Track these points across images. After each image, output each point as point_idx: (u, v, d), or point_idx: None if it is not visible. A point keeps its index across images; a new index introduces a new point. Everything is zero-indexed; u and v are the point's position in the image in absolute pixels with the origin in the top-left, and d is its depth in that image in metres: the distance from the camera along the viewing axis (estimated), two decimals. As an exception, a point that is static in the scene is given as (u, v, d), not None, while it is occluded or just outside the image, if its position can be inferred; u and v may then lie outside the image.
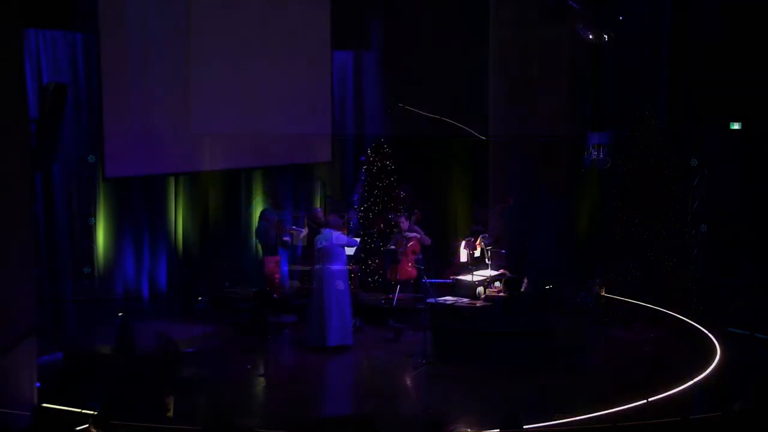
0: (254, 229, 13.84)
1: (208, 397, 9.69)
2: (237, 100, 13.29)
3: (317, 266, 12.31)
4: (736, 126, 15.76)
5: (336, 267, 12.16)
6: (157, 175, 12.83)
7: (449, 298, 12.03)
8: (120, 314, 10.57)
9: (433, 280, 12.50)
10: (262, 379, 11.12)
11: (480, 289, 12.31)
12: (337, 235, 12.25)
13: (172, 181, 13.18)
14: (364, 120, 16.14)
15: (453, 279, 13.14)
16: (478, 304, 11.74)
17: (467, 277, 12.69)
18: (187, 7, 12.67)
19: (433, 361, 11.53)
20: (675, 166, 14.68)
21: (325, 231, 12.30)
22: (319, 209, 13.84)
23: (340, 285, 12.11)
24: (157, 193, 13.10)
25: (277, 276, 13.38)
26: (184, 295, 13.35)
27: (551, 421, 9.32)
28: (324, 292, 12.12)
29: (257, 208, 14.25)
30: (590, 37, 13.10)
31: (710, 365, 11.32)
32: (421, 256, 13.61)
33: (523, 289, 11.58)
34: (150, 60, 12.23)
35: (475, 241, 13.11)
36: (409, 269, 13.54)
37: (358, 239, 13.28)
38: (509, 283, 11.69)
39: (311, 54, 14.35)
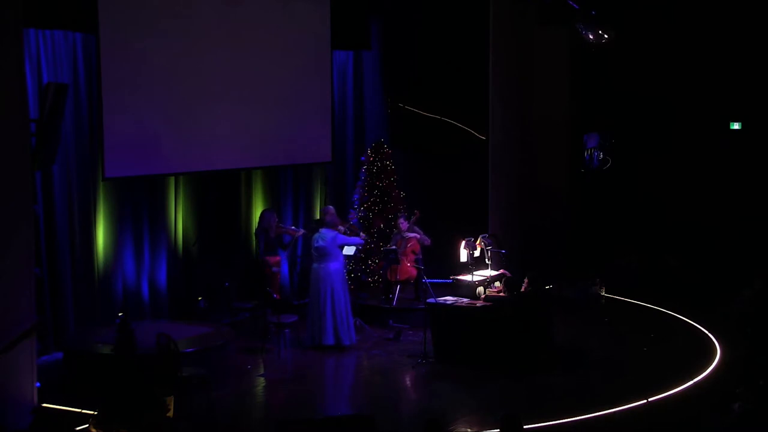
0: (254, 230, 13.83)
1: (208, 397, 9.69)
2: (237, 100, 13.28)
3: (314, 265, 12.33)
4: (736, 126, 15.83)
5: (333, 266, 12.15)
6: (157, 175, 12.81)
7: (449, 298, 12.04)
8: (120, 314, 10.55)
9: (432, 280, 12.50)
10: (262, 379, 11.13)
11: (480, 289, 12.32)
12: (336, 235, 12.24)
13: (172, 181, 13.17)
14: (364, 120, 16.13)
15: (453, 279, 13.17)
16: (478, 304, 11.73)
17: (467, 277, 12.71)
18: (187, 7, 12.67)
19: (432, 361, 11.54)
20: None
21: (323, 230, 12.30)
22: (331, 207, 13.62)
23: (337, 284, 12.11)
24: (157, 193, 13.08)
25: (277, 276, 13.37)
26: (184, 295, 13.35)
27: (551, 421, 9.34)
28: (320, 291, 12.14)
29: (257, 209, 14.23)
30: (590, 37, 13.09)
31: (710, 365, 11.35)
32: (420, 256, 13.61)
33: (523, 289, 11.57)
34: (150, 60, 12.22)
35: (475, 241, 13.12)
36: (409, 269, 13.54)
37: (361, 239, 13.23)
38: (509, 283, 11.68)
39: (311, 54, 14.34)
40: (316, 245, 12.27)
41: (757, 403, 7.87)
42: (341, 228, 12.70)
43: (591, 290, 14.95)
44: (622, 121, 15.99)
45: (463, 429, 9.32)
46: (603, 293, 15.11)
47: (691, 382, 10.64)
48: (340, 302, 12.13)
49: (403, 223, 13.81)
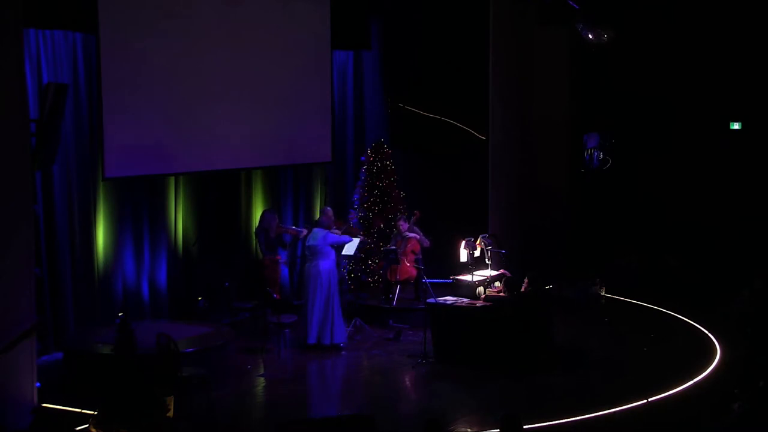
0: (254, 230, 13.83)
1: (208, 397, 9.69)
2: (237, 100, 13.28)
3: (306, 264, 12.37)
4: (736, 126, 15.83)
5: (323, 265, 12.15)
6: (157, 175, 12.81)
7: (449, 298, 12.03)
8: (120, 314, 10.55)
9: (432, 280, 12.49)
10: (262, 379, 11.13)
11: (480, 289, 12.32)
12: (327, 234, 12.24)
13: (172, 181, 13.17)
14: (364, 120, 16.13)
15: (453, 279, 13.17)
16: (478, 304, 11.73)
17: (467, 277, 12.70)
18: (187, 7, 12.67)
19: (432, 361, 11.54)
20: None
21: (315, 229, 12.33)
22: (329, 208, 13.58)
23: (324, 283, 12.10)
24: (157, 193, 13.08)
25: (277, 276, 13.37)
26: (184, 295, 13.35)
27: (551, 421, 9.34)
28: (308, 289, 12.15)
29: (257, 209, 14.23)
30: (590, 37, 13.09)
31: (710, 365, 11.35)
32: (420, 256, 13.61)
33: (523, 289, 11.57)
34: (150, 60, 12.22)
35: (475, 241, 13.12)
36: (409, 269, 13.54)
37: (355, 238, 13.19)
38: (509, 283, 11.68)
39: (311, 54, 14.34)
40: (307, 244, 12.34)
41: (756, 403, 7.87)
42: (337, 231, 12.71)
43: (591, 290, 14.96)
44: (622, 121, 15.99)
45: (463, 429, 9.32)
46: (603, 293, 15.11)
47: (691, 382, 10.64)
48: (324, 301, 12.10)
49: (403, 225, 13.81)
